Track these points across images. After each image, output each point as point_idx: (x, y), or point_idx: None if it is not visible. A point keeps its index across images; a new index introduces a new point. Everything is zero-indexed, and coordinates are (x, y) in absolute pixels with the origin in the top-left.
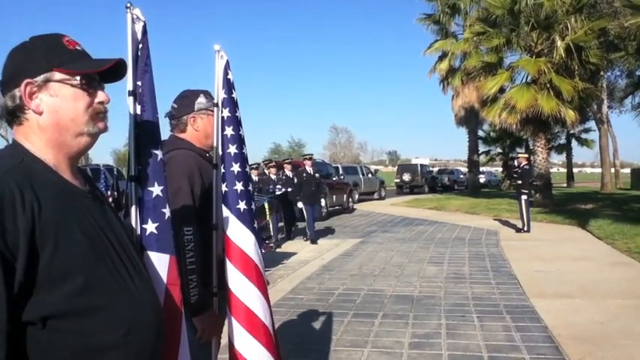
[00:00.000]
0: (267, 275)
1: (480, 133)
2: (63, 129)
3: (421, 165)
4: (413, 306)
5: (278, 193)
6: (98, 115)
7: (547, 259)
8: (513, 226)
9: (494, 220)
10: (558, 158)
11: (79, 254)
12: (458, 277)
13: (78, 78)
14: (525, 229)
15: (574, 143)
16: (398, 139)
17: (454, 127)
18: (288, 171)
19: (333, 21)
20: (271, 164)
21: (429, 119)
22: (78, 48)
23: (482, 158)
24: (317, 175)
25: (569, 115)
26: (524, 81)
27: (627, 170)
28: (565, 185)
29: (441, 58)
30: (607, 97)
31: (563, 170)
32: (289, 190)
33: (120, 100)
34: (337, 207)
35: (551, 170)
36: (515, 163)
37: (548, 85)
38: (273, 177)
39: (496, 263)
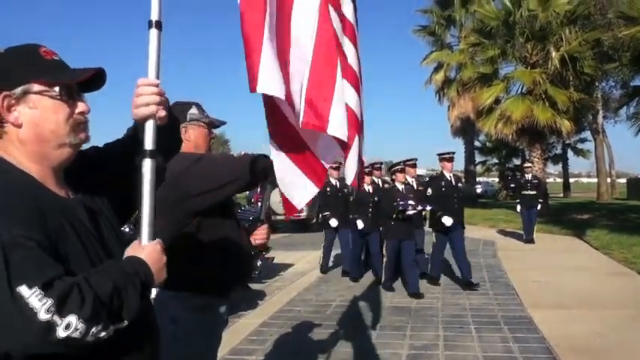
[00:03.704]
0: (265, 287)
1: (476, 143)
2: (43, 141)
3: (418, 175)
4: (410, 317)
5: (411, 212)
6: (79, 126)
7: (544, 269)
8: (511, 237)
9: (491, 230)
10: (554, 168)
11: (80, 266)
12: (455, 288)
13: (57, 89)
14: (533, 239)
15: (570, 153)
16: (394, 149)
17: (450, 137)
18: (410, 177)
19: None
20: (397, 167)
21: (425, 130)
22: (55, 58)
23: (479, 168)
24: (459, 185)
25: (565, 125)
26: (519, 92)
27: (623, 180)
28: (561, 195)
29: (437, 69)
30: (602, 108)
31: (560, 180)
32: (428, 208)
33: (115, 103)
34: None
35: (548, 180)
36: (529, 175)
37: (544, 96)
38: (400, 187)
39: (493, 274)
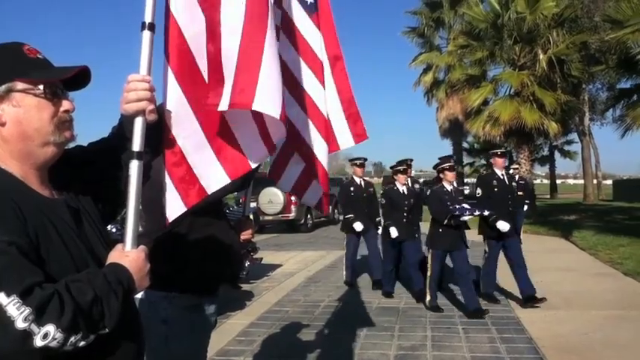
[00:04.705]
0: (253, 287)
1: (465, 144)
2: (28, 139)
3: None
4: (399, 318)
5: (467, 217)
6: (64, 124)
7: (531, 270)
8: None
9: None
10: (542, 170)
11: (62, 266)
12: (443, 289)
13: (41, 87)
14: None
15: (557, 155)
16: (383, 150)
17: (439, 138)
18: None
19: None
20: (444, 165)
21: (414, 131)
22: (39, 56)
23: (467, 170)
24: (514, 184)
25: (552, 127)
26: (507, 93)
27: (609, 181)
28: (548, 196)
29: (426, 71)
30: (589, 110)
31: (547, 182)
32: (486, 213)
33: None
34: (323, 218)
35: (535, 181)
36: (517, 176)
37: (531, 98)
38: (449, 188)
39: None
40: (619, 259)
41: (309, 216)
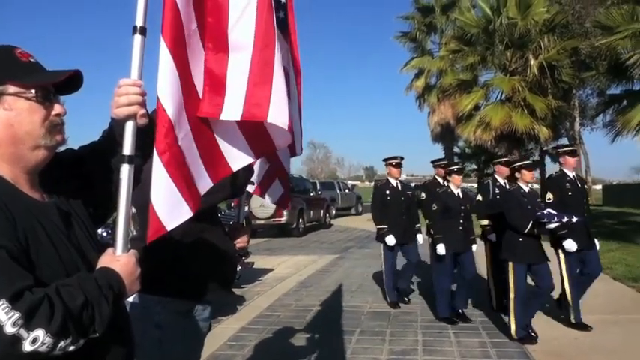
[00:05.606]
0: (244, 292)
1: (456, 149)
2: (19, 142)
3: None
4: (390, 322)
5: (553, 225)
6: (55, 128)
7: None
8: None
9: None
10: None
11: (53, 269)
12: (434, 294)
13: (33, 91)
14: None
15: (547, 160)
16: (375, 154)
17: (430, 143)
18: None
19: (311, 36)
20: (522, 163)
21: (406, 135)
22: (31, 60)
23: None
24: (586, 187)
25: (543, 132)
26: (498, 98)
27: (599, 187)
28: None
29: (418, 76)
30: (579, 115)
31: (537, 186)
32: (574, 219)
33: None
34: (314, 222)
35: None
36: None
37: (522, 103)
38: (526, 189)
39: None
40: (608, 264)
41: (300, 220)
